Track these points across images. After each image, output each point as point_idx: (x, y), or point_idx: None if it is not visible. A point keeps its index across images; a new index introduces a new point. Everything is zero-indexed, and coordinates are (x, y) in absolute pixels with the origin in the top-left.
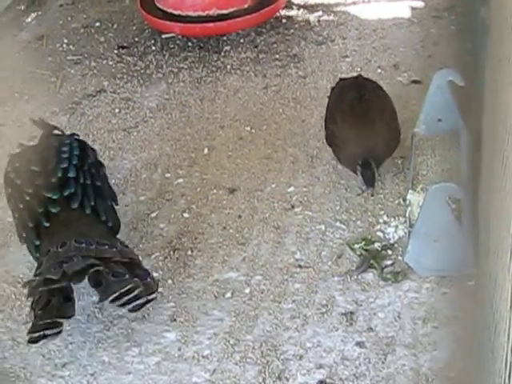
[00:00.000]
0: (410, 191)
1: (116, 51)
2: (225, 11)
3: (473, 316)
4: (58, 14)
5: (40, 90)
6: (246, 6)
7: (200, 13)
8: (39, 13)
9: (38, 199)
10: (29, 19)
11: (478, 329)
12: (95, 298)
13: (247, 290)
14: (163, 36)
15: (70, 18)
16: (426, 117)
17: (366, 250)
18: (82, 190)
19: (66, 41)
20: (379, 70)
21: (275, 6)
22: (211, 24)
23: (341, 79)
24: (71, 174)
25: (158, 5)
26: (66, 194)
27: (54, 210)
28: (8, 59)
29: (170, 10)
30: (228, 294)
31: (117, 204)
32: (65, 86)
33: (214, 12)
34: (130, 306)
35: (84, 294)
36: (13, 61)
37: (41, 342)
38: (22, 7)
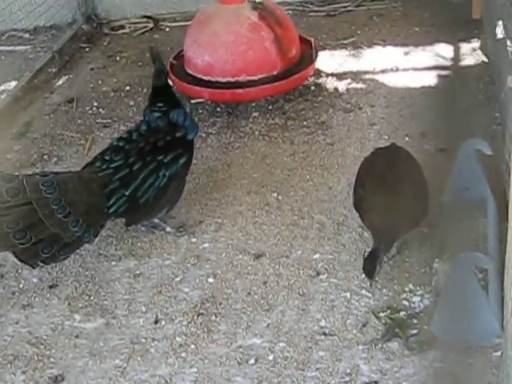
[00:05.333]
0: (437, 260)
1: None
2: (254, 77)
3: None
4: (89, 77)
5: (69, 153)
6: (275, 72)
7: (229, 79)
8: (70, 76)
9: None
10: (60, 82)
11: None
12: (118, 361)
13: (271, 357)
14: (192, 101)
15: (100, 82)
16: (453, 185)
17: (391, 319)
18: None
19: (95, 104)
20: (407, 138)
21: (304, 73)
22: (240, 90)
23: (376, 149)
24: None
25: (187, 70)
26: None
27: (97, 163)
28: (38, 121)
29: (199, 76)
30: (251, 361)
31: (166, 210)
32: (93, 148)
33: (243, 78)
34: None
35: (106, 357)
36: (43, 123)
37: None
38: (54, 70)
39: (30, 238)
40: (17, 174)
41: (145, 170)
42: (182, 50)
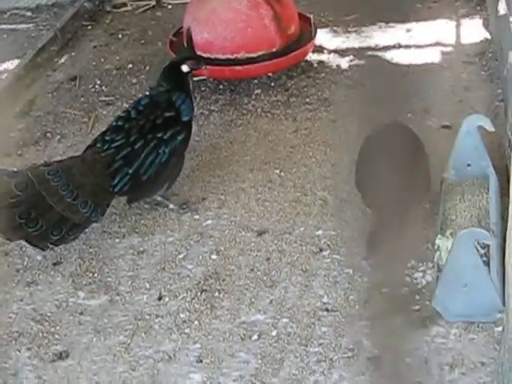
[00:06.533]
0: (439, 236)
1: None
2: (253, 54)
3: (500, 362)
4: (92, 55)
5: (72, 131)
6: (274, 49)
7: (229, 56)
8: (73, 54)
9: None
10: (62, 60)
11: (505, 376)
12: (122, 338)
13: (274, 333)
14: (194, 78)
15: (103, 60)
16: (455, 162)
17: (393, 295)
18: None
19: (98, 82)
20: (409, 115)
21: (303, 50)
22: (240, 67)
23: (378, 126)
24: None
25: None
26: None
27: (98, 144)
28: (41, 99)
29: (198, 53)
30: (255, 337)
31: (167, 186)
32: (96, 126)
33: (242, 55)
34: None
35: (111, 333)
36: (46, 101)
37: None
38: (56, 48)
39: (42, 225)
40: (17, 170)
41: (146, 148)
42: (182, 27)
